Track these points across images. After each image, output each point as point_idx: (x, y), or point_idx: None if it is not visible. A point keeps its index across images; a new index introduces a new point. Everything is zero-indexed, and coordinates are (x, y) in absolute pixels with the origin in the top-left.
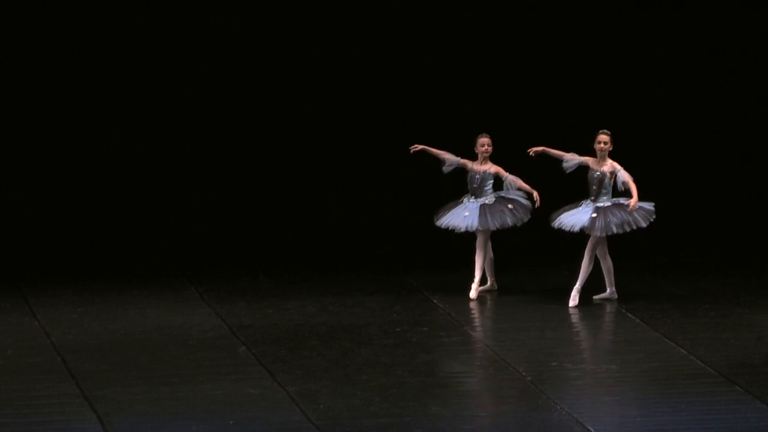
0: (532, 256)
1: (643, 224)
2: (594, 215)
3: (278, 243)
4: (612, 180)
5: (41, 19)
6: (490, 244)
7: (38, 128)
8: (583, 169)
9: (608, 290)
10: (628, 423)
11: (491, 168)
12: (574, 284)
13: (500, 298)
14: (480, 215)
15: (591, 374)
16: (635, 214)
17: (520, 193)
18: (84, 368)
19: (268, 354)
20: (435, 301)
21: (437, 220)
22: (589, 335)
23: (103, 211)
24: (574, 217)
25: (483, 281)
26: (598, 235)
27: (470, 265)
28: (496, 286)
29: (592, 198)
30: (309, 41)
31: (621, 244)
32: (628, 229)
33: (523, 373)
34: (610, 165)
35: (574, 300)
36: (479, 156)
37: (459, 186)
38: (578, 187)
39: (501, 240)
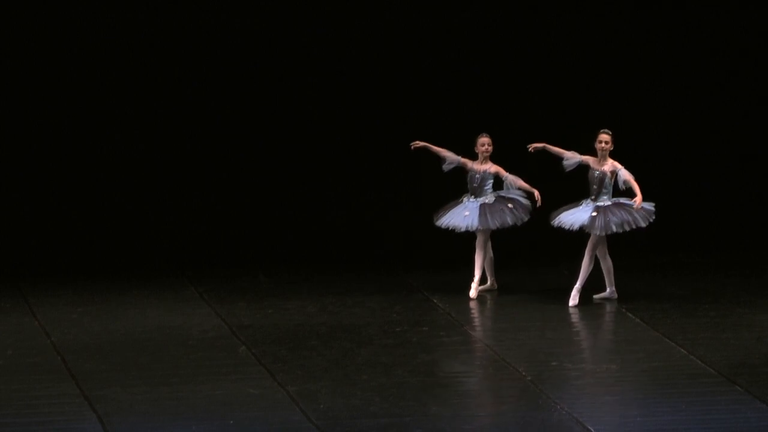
0: (532, 255)
1: (643, 224)
2: (594, 214)
3: (278, 243)
4: (612, 179)
5: (41, 19)
6: (489, 244)
7: (38, 128)
8: (584, 168)
9: (608, 290)
10: (628, 423)
11: (491, 168)
12: (574, 284)
13: (500, 298)
14: (480, 215)
15: (591, 374)
16: (635, 214)
17: (520, 192)
18: (84, 368)
19: (268, 354)
20: (435, 301)
21: (437, 220)
22: (589, 335)
23: (103, 211)
24: (574, 216)
25: (483, 281)
26: (598, 233)
27: (470, 265)
28: (496, 286)
29: (593, 197)
30: (309, 41)
31: (621, 244)
32: (627, 229)
33: (523, 373)
34: (610, 164)
35: (574, 300)
36: (479, 156)
37: (459, 186)
38: (578, 186)
39: (501, 239)
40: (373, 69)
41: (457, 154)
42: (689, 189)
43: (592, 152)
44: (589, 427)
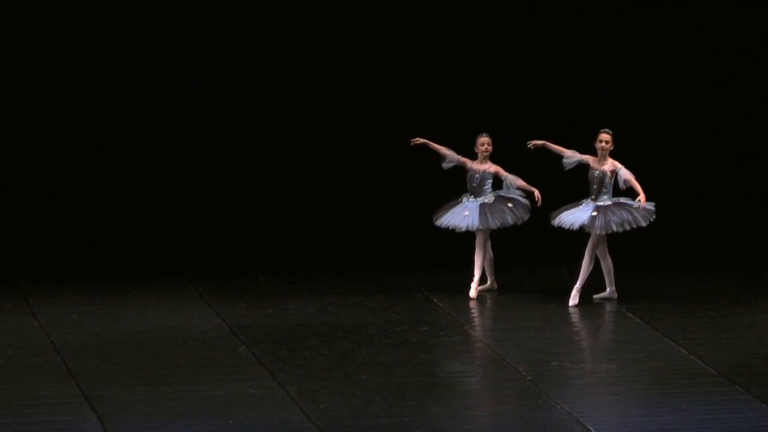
0: (532, 255)
1: (643, 223)
2: (594, 214)
3: (278, 243)
4: (612, 179)
5: (41, 19)
6: (489, 244)
7: (38, 128)
8: (584, 167)
9: (608, 290)
10: (628, 422)
11: (491, 167)
12: (575, 284)
13: (500, 298)
14: (480, 214)
15: (591, 374)
16: (635, 213)
17: (519, 192)
18: (84, 368)
19: (268, 354)
20: (435, 301)
21: (436, 219)
22: (589, 335)
23: (103, 211)
24: (574, 216)
25: (483, 281)
26: (598, 233)
27: (470, 265)
28: (495, 286)
29: (593, 197)
30: (309, 41)
31: (621, 244)
32: (628, 228)
33: (523, 373)
34: (610, 164)
35: (574, 299)
36: (479, 155)
37: (459, 185)
38: (578, 185)
39: (501, 239)
40: (373, 69)
41: (457, 153)
42: (689, 189)
43: (593, 152)
44: (589, 427)
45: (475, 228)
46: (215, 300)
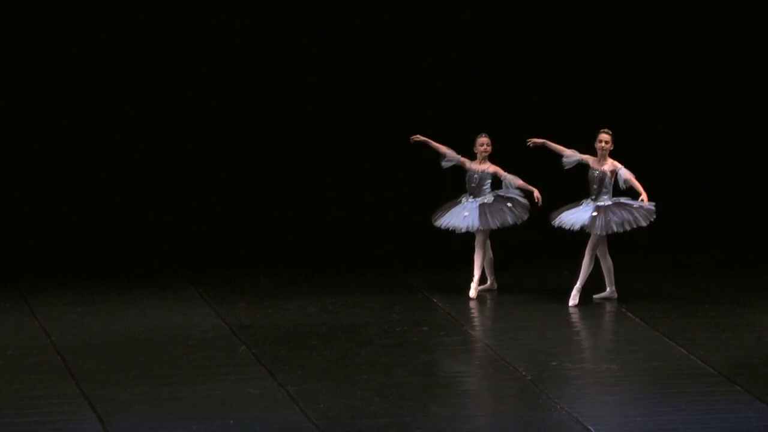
0: (532, 255)
1: (644, 223)
2: (594, 214)
3: (278, 243)
4: (612, 179)
5: (41, 19)
6: (489, 243)
7: (38, 128)
8: (583, 167)
9: (608, 289)
10: (628, 422)
11: (489, 168)
12: (575, 283)
13: (500, 298)
14: (480, 215)
15: (591, 374)
16: (636, 213)
17: (518, 191)
18: (84, 368)
19: (268, 354)
20: (435, 301)
21: (436, 220)
22: (589, 335)
23: (103, 211)
24: (575, 216)
25: (483, 281)
26: (599, 233)
27: (470, 265)
28: (495, 286)
29: (593, 197)
30: (309, 41)
31: (621, 244)
32: (628, 228)
33: (523, 373)
34: (610, 164)
35: (574, 299)
36: (478, 155)
37: (459, 185)
38: (578, 185)
39: (501, 239)
40: (373, 69)
41: (458, 153)
42: (689, 189)
43: (593, 152)
44: (589, 427)
45: (475, 229)
46: (215, 300)
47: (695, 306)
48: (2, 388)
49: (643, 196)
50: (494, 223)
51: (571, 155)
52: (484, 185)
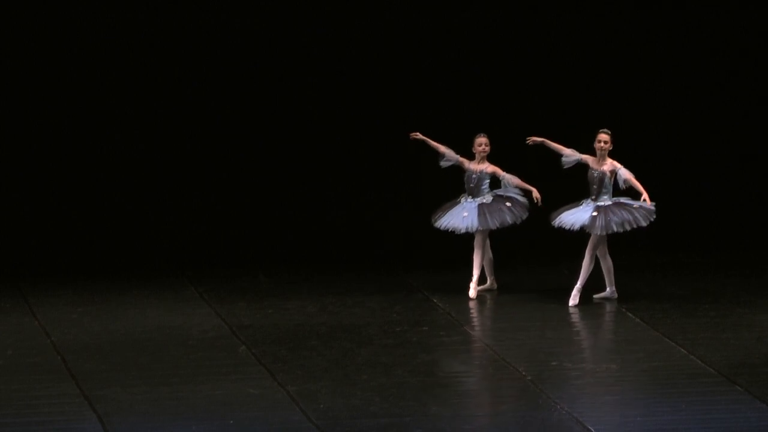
0: (532, 255)
1: (644, 223)
2: (594, 214)
3: (278, 243)
4: (612, 179)
5: (41, 19)
6: (488, 243)
7: (38, 128)
8: (583, 167)
9: (608, 289)
10: (628, 422)
11: (488, 168)
12: (575, 283)
13: (500, 298)
14: (479, 215)
15: (591, 374)
16: (636, 213)
17: (517, 190)
18: (84, 368)
19: (268, 354)
20: (435, 301)
21: (435, 221)
22: (589, 335)
23: (103, 211)
24: (575, 216)
25: (482, 280)
26: (599, 233)
27: (470, 265)
28: (495, 286)
29: (593, 197)
30: (309, 41)
31: (621, 244)
32: (628, 228)
33: (523, 373)
34: (610, 164)
35: (574, 299)
36: (476, 155)
37: (458, 185)
38: (578, 185)
39: (501, 239)
40: (373, 69)
41: (458, 154)
42: (689, 189)
43: (592, 152)
44: (589, 427)
45: (474, 229)
46: (215, 300)
47: (695, 306)
48: (2, 388)
49: (645, 195)
50: (493, 223)
51: (570, 155)
52: (482, 185)
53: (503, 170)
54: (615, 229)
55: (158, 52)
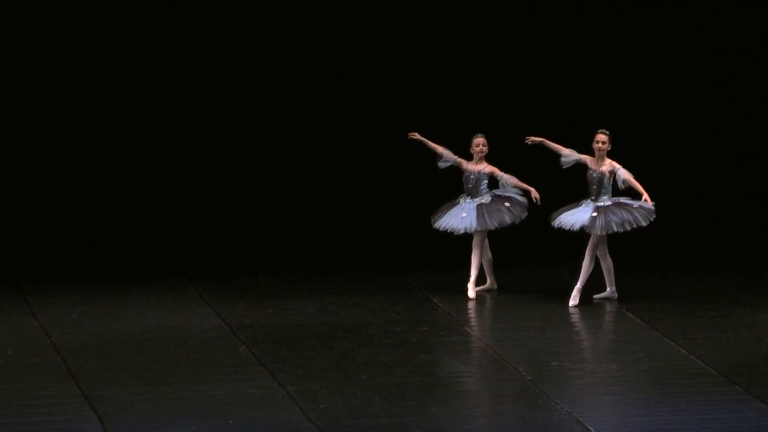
0: (532, 255)
1: (644, 223)
2: (594, 214)
3: (278, 243)
4: (611, 179)
5: (41, 19)
6: (487, 244)
7: (38, 128)
8: (583, 167)
9: (608, 290)
10: (628, 422)
11: (486, 168)
12: (575, 284)
13: (500, 298)
14: (478, 215)
15: (591, 374)
16: (636, 213)
17: (516, 190)
18: (84, 368)
19: (268, 354)
20: (435, 301)
21: (434, 222)
22: (589, 335)
23: (103, 211)
24: (574, 217)
25: (481, 281)
26: (599, 234)
27: (469, 265)
28: (495, 286)
29: (593, 198)
30: (309, 41)
31: (621, 244)
32: (628, 228)
33: (523, 373)
34: (608, 164)
35: (574, 299)
36: (474, 156)
37: (458, 185)
38: (578, 185)
39: (501, 239)
40: (373, 69)
41: (457, 154)
42: (689, 189)
43: (592, 152)
44: (589, 427)
45: (472, 230)
46: (215, 300)
47: (695, 306)
48: (2, 388)
49: (645, 196)
50: (492, 224)
51: (569, 155)
52: (481, 186)
53: (502, 170)
54: (615, 230)
55: (158, 52)
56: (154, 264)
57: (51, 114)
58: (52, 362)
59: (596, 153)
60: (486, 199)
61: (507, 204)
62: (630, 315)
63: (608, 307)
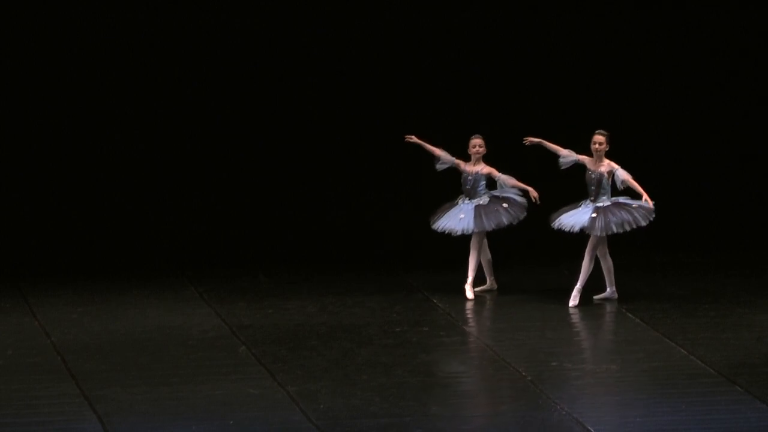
0: (532, 255)
1: (643, 223)
2: (594, 215)
3: (278, 243)
4: (610, 180)
5: (41, 19)
6: (486, 244)
7: (38, 128)
8: (582, 167)
9: (608, 290)
10: (628, 423)
11: (483, 169)
12: (575, 284)
13: (500, 298)
14: (475, 217)
15: (591, 374)
16: (635, 213)
17: (515, 190)
18: (84, 368)
19: (268, 354)
20: (435, 301)
21: (433, 223)
22: (589, 335)
23: (103, 211)
24: (574, 218)
25: (479, 282)
26: (598, 234)
27: (467, 266)
28: (495, 286)
29: (592, 198)
30: (309, 41)
31: (621, 244)
32: (628, 228)
33: (523, 373)
34: (607, 165)
35: (574, 300)
36: (472, 157)
37: (458, 185)
38: (578, 185)
39: (501, 239)
40: (373, 69)
41: (456, 154)
42: (689, 189)
43: (590, 153)
44: (589, 427)
45: (470, 231)
46: (215, 300)
47: (695, 306)
48: (2, 388)
49: (645, 196)
50: (489, 225)
51: (567, 155)
52: (478, 187)
53: (503, 170)
54: (615, 230)
55: (158, 52)
56: (154, 264)
57: (51, 114)
58: (52, 362)
59: (594, 154)
60: (484, 200)
61: (505, 205)
62: (630, 315)
63: (608, 308)
